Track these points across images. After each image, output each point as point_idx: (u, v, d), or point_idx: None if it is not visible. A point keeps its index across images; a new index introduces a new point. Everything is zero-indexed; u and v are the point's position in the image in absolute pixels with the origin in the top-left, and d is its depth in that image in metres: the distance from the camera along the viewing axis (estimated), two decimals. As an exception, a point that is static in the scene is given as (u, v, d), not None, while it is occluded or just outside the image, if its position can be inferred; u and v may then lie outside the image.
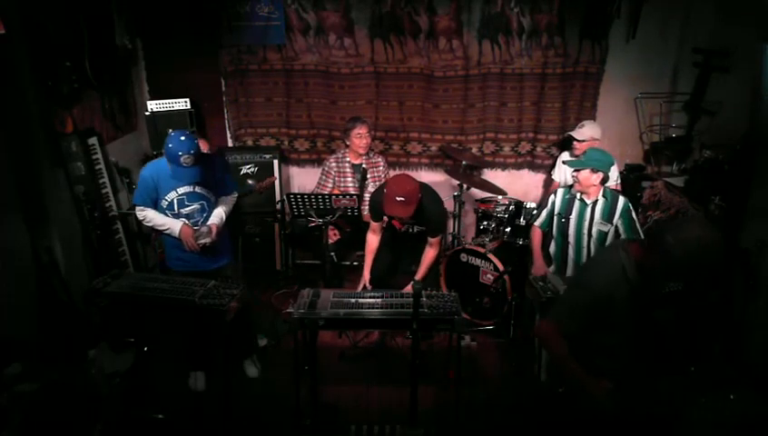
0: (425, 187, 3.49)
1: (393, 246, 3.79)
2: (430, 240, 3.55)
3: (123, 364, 3.59)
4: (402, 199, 3.18)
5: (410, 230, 3.64)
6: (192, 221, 3.36)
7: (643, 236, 3.45)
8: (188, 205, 3.34)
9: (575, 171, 3.48)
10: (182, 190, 3.29)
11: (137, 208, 3.34)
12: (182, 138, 3.07)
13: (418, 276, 3.54)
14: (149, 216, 3.30)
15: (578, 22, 4.59)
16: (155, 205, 3.32)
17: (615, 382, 2.25)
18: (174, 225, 3.28)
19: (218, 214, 3.41)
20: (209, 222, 3.38)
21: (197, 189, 3.32)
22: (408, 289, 3.48)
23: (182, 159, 3.05)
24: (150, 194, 3.28)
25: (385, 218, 3.60)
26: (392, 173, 4.67)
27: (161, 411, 3.24)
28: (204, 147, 4.00)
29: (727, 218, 3.41)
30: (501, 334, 4.14)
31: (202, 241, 3.30)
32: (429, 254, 3.57)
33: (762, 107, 3.28)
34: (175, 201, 3.30)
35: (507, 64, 4.78)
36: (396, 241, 3.80)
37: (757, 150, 3.29)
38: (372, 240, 3.69)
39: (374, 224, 3.65)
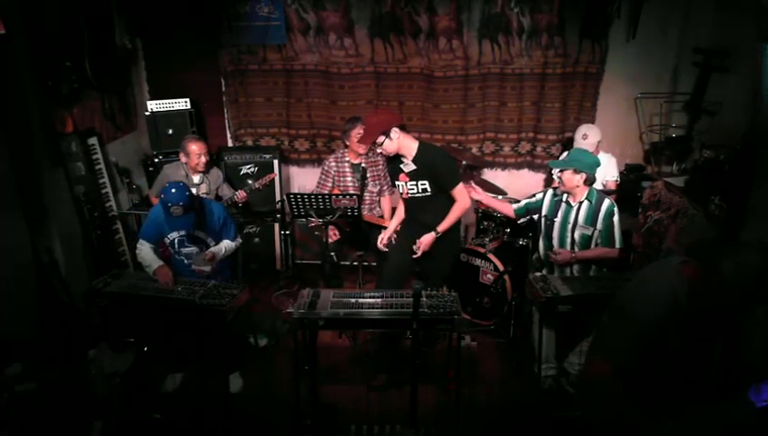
0: (422, 144, 3.46)
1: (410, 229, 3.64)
2: (451, 193, 3.45)
3: (123, 364, 3.59)
4: (364, 127, 3.48)
5: (416, 191, 3.48)
6: (189, 261, 3.53)
7: (619, 245, 3.41)
8: (187, 247, 3.51)
9: (559, 171, 3.46)
10: (182, 231, 3.44)
11: (139, 241, 3.45)
12: (173, 190, 3.19)
13: (440, 227, 3.44)
14: (142, 253, 3.41)
15: (578, 22, 4.59)
16: (160, 240, 3.50)
17: (673, 414, 2.12)
18: (153, 265, 3.37)
19: (219, 248, 3.53)
20: (210, 249, 3.51)
21: (196, 233, 3.48)
22: (426, 240, 3.46)
23: (170, 209, 3.17)
24: (157, 230, 3.42)
25: (396, 183, 3.58)
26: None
27: (161, 411, 3.24)
28: (201, 149, 4.01)
29: (727, 218, 3.40)
30: (501, 334, 4.14)
31: (203, 267, 3.44)
32: (455, 207, 3.45)
33: (762, 107, 3.27)
34: (176, 241, 3.48)
35: (507, 63, 4.78)
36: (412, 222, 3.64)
37: (757, 150, 3.28)
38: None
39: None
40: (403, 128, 3.37)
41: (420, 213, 3.55)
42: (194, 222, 3.34)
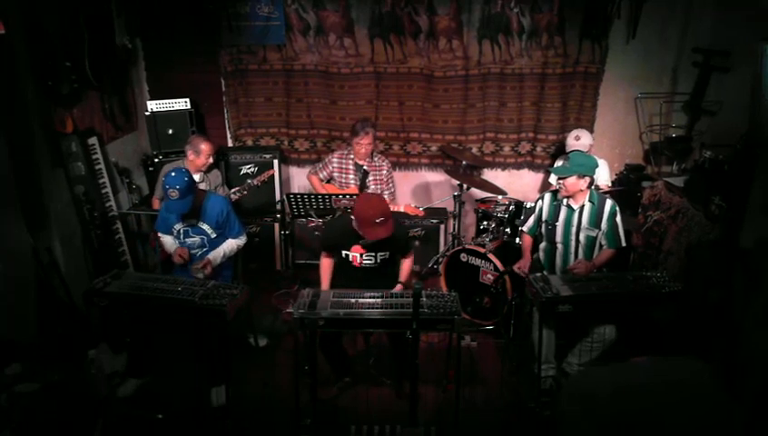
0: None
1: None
2: (404, 260, 3.41)
3: (123, 364, 3.58)
4: (382, 218, 3.02)
5: (374, 262, 3.29)
6: (191, 251, 3.63)
7: (624, 243, 3.46)
8: (191, 237, 3.61)
9: (560, 178, 3.46)
10: (186, 223, 3.57)
11: (158, 233, 3.70)
12: (173, 173, 3.39)
13: (403, 279, 3.37)
14: (162, 240, 3.72)
15: (578, 22, 4.60)
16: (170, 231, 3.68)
17: None
18: (172, 248, 3.66)
19: (218, 252, 3.60)
20: (207, 256, 3.58)
21: (199, 224, 3.57)
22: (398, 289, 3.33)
23: (168, 191, 3.35)
24: (166, 223, 3.63)
25: (344, 253, 3.31)
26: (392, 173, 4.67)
27: (161, 411, 3.24)
28: (211, 150, 4.08)
29: (727, 218, 3.41)
30: (501, 334, 4.14)
31: (197, 275, 3.46)
32: (406, 264, 3.41)
33: (762, 107, 3.28)
34: (181, 231, 3.60)
35: (507, 64, 4.78)
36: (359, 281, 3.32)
37: (757, 150, 3.28)
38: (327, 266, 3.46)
39: (327, 261, 3.42)
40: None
41: (372, 281, 3.25)
42: (191, 208, 3.46)
